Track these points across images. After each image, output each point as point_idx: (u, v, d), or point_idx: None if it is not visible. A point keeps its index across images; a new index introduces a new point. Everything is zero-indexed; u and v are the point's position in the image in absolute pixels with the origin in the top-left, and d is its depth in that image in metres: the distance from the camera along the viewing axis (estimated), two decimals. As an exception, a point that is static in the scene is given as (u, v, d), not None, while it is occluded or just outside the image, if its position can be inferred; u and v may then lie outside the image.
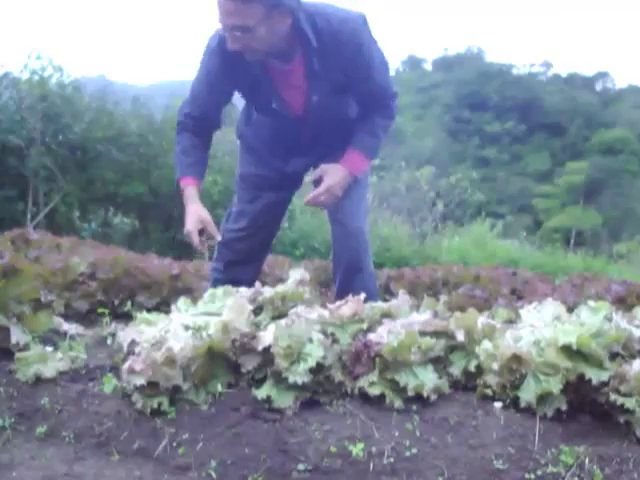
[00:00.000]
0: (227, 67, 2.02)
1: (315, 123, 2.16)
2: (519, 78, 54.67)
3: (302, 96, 2.08)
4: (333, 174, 2.10)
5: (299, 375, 1.50)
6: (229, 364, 1.61)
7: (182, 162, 2.17)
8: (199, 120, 2.15)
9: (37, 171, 6.64)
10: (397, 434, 1.42)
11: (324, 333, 1.66)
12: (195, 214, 2.08)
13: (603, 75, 57.45)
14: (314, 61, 1.96)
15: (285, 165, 2.27)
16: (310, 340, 1.59)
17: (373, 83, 2.05)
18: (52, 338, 1.93)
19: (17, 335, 1.76)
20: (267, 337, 1.59)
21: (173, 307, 1.80)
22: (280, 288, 1.93)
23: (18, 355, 1.67)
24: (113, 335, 1.92)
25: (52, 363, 1.66)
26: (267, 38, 1.85)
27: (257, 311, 1.87)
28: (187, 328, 1.62)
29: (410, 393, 1.52)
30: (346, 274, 2.26)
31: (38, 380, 1.62)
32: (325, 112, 2.11)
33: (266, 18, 1.80)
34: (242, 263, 2.39)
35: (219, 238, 2.13)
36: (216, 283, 2.39)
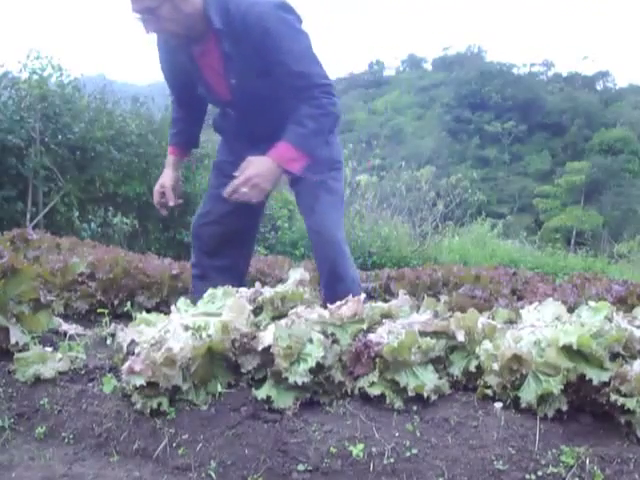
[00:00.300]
0: (168, 54, 2.19)
1: (249, 109, 2.15)
2: (519, 78, 54.68)
3: (223, 80, 2.10)
4: (256, 165, 2.01)
5: (299, 375, 1.50)
6: (229, 364, 1.61)
7: (169, 132, 2.49)
8: (176, 97, 2.39)
9: (36, 171, 6.62)
10: (397, 434, 1.42)
11: (324, 333, 1.66)
12: (161, 179, 2.36)
13: (604, 74, 57.48)
14: (225, 43, 1.99)
15: (249, 153, 2.18)
16: (310, 340, 1.58)
17: (288, 70, 1.98)
18: (52, 338, 1.93)
19: (16, 335, 1.76)
20: (267, 337, 1.58)
21: (173, 307, 1.80)
22: (280, 288, 1.93)
23: (17, 355, 1.67)
24: (113, 335, 1.91)
25: (51, 363, 1.66)
26: (175, 17, 1.91)
27: (257, 311, 1.87)
28: (187, 328, 1.62)
29: (410, 393, 1.51)
30: (328, 283, 2.24)
31: (37, 380, 1.62)
32: (252, 97, 2.09)
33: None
34: (212, 255, 2.34)
35: (171, 203, 2.32)
36: (194, 280, 2.41)
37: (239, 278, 2.35)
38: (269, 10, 1.94)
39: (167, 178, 2.35)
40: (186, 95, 2.31)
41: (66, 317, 2.23)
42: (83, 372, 1.70)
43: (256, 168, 2.00)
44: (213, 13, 1.94)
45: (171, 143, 2.43)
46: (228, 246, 2.36)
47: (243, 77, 2.06)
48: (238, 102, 2.15)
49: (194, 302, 1.85)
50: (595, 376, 1.45)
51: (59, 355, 1.71)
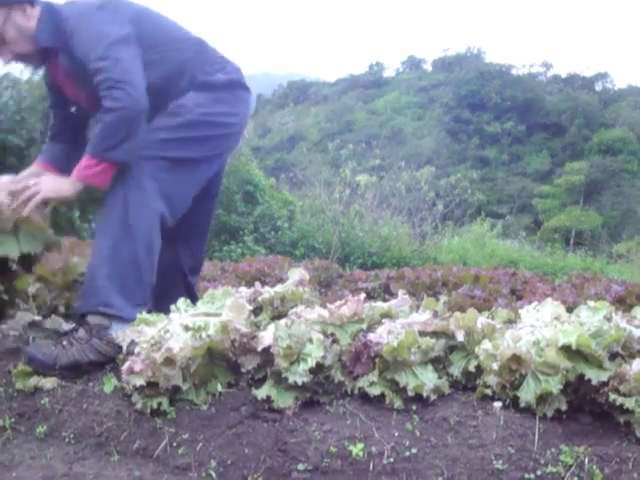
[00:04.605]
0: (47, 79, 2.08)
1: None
2: (519, 78, 54.67)
3: (77, 91, 2.02)
4: (48, 177, 1.92)
5: (299, 375, 1.50)
6: (229, 364, 1.61)
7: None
8: (55, 125, 2.19)
9: (37, 171, 6.61)
10: (397, 434, 1.42)
11: (324, 333, 1.66)
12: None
13: (603, 75, 57.49)
14: (62, 57, 1.91)
15: None
16: (310, 340, 1.59)
17: (82, 56, 1.82)
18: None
19: None
20: (267, 337, 1.59)
21: (172, 307, 1.80)
22: (280, 288, 1.93)
23: (19, 368, 1.65)
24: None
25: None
26: (22, 38, 1.85)
27: (257, 311, 1.87)
28: (187, 328, 1.62)
29: (410, 393, 1.52)
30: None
31: (37, 390, 1.61)
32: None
33: (6, 20, 1.82)
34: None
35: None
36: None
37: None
38: (82, 9, 1.89)
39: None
40: (62, 112, 2.17)
41: (67, 317, 2.22)
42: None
43: (47, 178, 1.91)
44: (41, 28, 1.87)
45: (40, 159, 2.17)
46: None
47: (88, 88, 1.89)
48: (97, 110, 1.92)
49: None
50: (594, 376, 1.45)
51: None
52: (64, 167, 2.06)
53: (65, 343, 1.73)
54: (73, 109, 2.11)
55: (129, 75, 1.79)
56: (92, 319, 1.77)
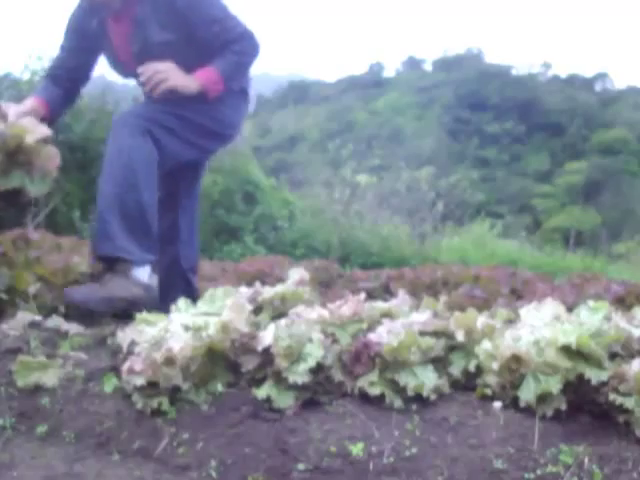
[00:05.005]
0: (79, 18, 2.17)
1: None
2: (519, 79, 54.65)
3: (128, 47, 2.12)
4: (176, 67, 2.06)
5: (299, 375, 1.50)
6: (229, 364, 1.61)
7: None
8: (63, 60, 2.26)
9: (37, 171, 6.62)
10: (397, 434, 1.42)
11: (324, 333, 1.66)
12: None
13: (602, 76, 57.46)
14: (139, 9, 2.03)
15: None
16: (310, 340, 1.59)
17: (216, 25, 2.07)
18: (53, 338, 1.93)
19: None
20: (267, 337, 1.59)
21: (173, 307, 1.80)
22: (280, 288, 1.93)
23: (20, 358, 1.66)
24: (113, 335, 1.92)
25: (53, 371, 1.65)
26: None
27: (257, 311, 1.87)
28: (187, 328, 1.62)
29: (410, 393, 1.52)
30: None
31: (38, 388, 1.61)
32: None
33: None
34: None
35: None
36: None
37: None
38: None
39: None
40: (74, 61, 2.25)
41: (67, 317, 2.23)
42: (84, 372, 1.70)
43: (174, 67, 2.04)
44: None
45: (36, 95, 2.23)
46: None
47: (146, 45, 2.07)
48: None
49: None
50: (594, 376, 1.45)
51: (60, 361, 1.71)
52: (57, 112, 2.26)
53: (97, 283, 1.97)
54: (106, 57, 2.20)
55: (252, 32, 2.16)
56: (113, 263, 1.95)
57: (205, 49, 2.11)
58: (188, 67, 2.08)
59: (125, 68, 2.22)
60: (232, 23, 2.12)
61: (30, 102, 2.18)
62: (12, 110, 2.03)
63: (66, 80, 2.27)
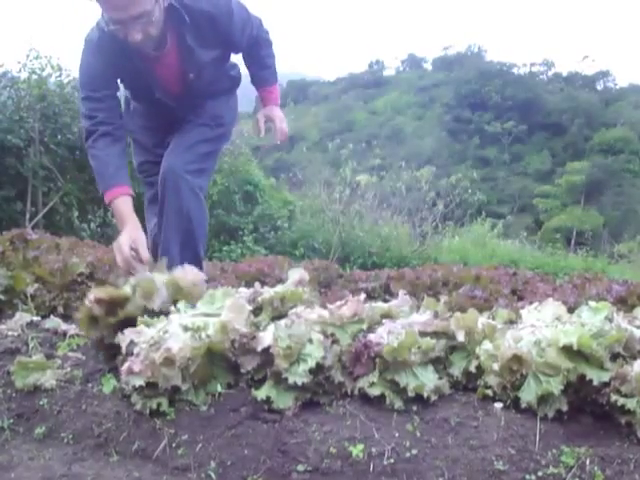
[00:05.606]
0: (110, 62, 2.04)
1: (193, 100, 2.27)
2: (519, 77, 54.68)
3: (178, 77, 2.16)
4: (275, 113, 2.35)
5: (299, 376, 1.50)
6: (228, 365, 1.60)
7: (104, 173, 2.06)
8: (107, 122, 2.07)
9: (36, 171, 6.63)
10: (397, 435, 1.42)
11: (324, 333, 1.65)
12: (130, 231, 1.95)
13: (604, 74, 57.43)
14: (187, 38, 2.04)
15: (162, 148, 2.31)
16: (310, 341, 1.58)
17: (252, 34, 2.22)
18: (51, 338, 1.93)
19: None
20: (267, 338, 1.58)
21: (172, 308, 1.80)
22: (279, 288, 1.92)
23: (19, 359, 1.65)
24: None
25: (51, 372, 1.64)
26: (159, 20, 1.93)
27: (256, 312, 1.86)
28: (186, 329, 1.61)
29: (410, 394, 1.51)
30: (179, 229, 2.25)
31: (36, 389, 1.61)
32: (203, 88, 2.23)
33: (157, 0, 1.89)
34: None
35: (145, 257, 1.93)
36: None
37: None
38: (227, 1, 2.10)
39: (135, 229, 1.96)
40: (112, 105, 2.11)
41: (66, 317, 2.22)
42: (82, 373, 1.70)
43: (278, 114, 2.35)
44: (181, 9, 1.97)
45: (114, 184, 2.03)
46: None
47: (199, 69, 2.15)
48: (188, 96, 2.23)
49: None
50: (595, 376, 1.45)
51: (59, 362, 1.71)
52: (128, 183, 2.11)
53: None
54: (157, 95, 2.18)
55: None
56: None
57: (235, 48, 2.25)
58: (226, 68, 2.29)
59: (170, 94, 2.21)
60: (253, 19, 2.22)
61: (130, 226, 1.97)
62: (140, 267, 1.90)
63: (117, 129, 2.11)
